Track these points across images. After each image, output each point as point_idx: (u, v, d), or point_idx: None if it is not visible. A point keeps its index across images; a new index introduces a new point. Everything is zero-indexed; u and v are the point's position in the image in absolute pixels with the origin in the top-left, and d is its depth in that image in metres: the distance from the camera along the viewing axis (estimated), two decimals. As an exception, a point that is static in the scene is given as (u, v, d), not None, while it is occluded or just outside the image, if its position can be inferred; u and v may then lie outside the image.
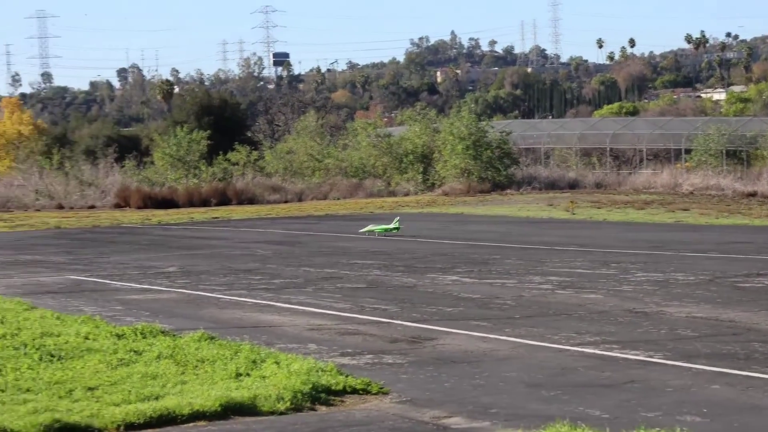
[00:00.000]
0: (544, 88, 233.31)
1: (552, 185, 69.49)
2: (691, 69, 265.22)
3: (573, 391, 12.61)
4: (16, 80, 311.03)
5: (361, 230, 38.27)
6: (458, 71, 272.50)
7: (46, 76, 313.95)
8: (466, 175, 68.60)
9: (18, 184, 70.58)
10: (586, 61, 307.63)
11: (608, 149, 78.19)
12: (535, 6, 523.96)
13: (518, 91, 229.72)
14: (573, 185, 69.66)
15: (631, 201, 55.05)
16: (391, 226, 37.84)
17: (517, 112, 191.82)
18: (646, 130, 78.60)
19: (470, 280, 24.05)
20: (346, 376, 13.11)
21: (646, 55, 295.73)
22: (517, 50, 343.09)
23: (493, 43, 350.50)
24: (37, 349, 14.87)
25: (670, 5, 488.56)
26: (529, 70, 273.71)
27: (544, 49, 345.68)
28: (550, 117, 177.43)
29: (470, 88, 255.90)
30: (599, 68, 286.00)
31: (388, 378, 13.46)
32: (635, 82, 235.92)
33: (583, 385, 13.02)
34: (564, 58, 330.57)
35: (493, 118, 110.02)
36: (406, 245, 33.63)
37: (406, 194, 67.93)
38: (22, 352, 14.72)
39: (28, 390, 12.66)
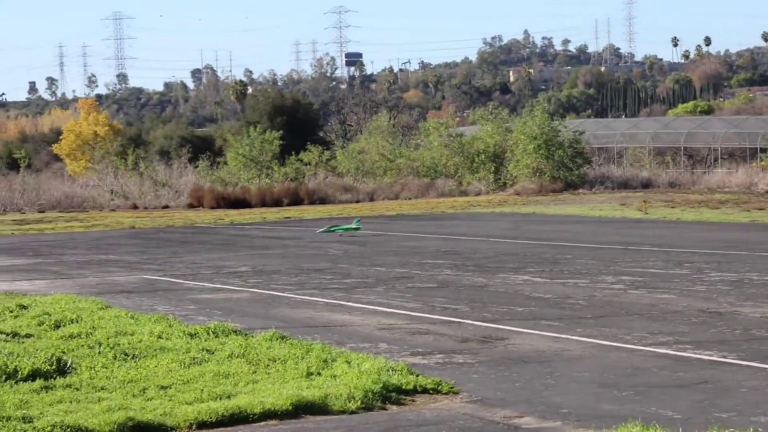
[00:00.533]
0: (617, 87, 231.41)
1: (625, 184, 68.94)
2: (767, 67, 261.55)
3: (645, 392, 12.50)
4: (92, 81, 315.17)
5: (320, 230, 38.83)
6: (531, 70, 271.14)
7: (122, 78, 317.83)
8: (538, 174, 68.30)
9: (93, 185, 71.53)
10: (661, 59, 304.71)
11: (682, 148, 77.41)
12: (609, 4, 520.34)
13: (591, 90, 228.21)
14: (646, 184, 69.06)
15: (706, 200, 54.43)
16: (353, 226, 38.22)
17: (590, 111, 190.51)
18: (721, 128, 77.70)
19: (542, 279, 23.93)
20: (417, 376, 13.11)
21: (722, 53, 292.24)
22: (590, 49, 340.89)
23: (566, 42, 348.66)
24: (112, 347, 15.03)
25: (747, 3, 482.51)
26: (603, 69, 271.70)
27: (618, 48, 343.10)
28: (624, 116, 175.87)
29: (543, 87, 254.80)
30: (674, 67, 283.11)
31: (458, 378, 13.43)
32: (710, 81, 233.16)
33: (656, 385, 12.90)
34: (638, 57, 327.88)
35: (566, 118, 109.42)
36: (478, 245, 33.54)
37: (478, 194, 67.77)
38: (96, 350, 14.90)
39: (102, 388, 12.82)
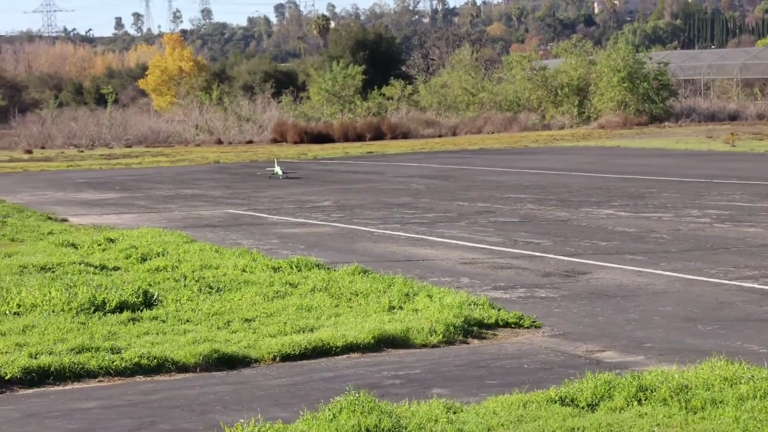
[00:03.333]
0: (705, 17, 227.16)
1: (711, 117, 67.88)
2: None
3: (730, 326, 12.40)
4: (177, 17, 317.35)
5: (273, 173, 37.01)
6: (616, 2, 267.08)
7: (206, 13, 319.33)
8: (622, 107, 67.50)
9: (179, 120, 72.16)
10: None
11: (772, 80, 75.91)
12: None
13: (678, 21, 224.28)
14: (734, 117, 67.91)
15: (795, 133, 53.48)
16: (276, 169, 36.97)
17: (676, 42, 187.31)
18: (812, 58, 76.01)
19: (625, 213, 23.75)
20: (499, 310, 13.13)
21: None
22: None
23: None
24: (197, 281, 15.25)
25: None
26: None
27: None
28: (711, 47, 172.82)
29: (628, 18, 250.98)
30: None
31: (540, 312, 13.43)
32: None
33: (741, 319, 12.79)
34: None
35: (652, 50, 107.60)
36: (561, 179, 33.34)
37: (561, 127, 67.23)
38: (182, 283, 15.12)
39: (187, 321, 13.02)
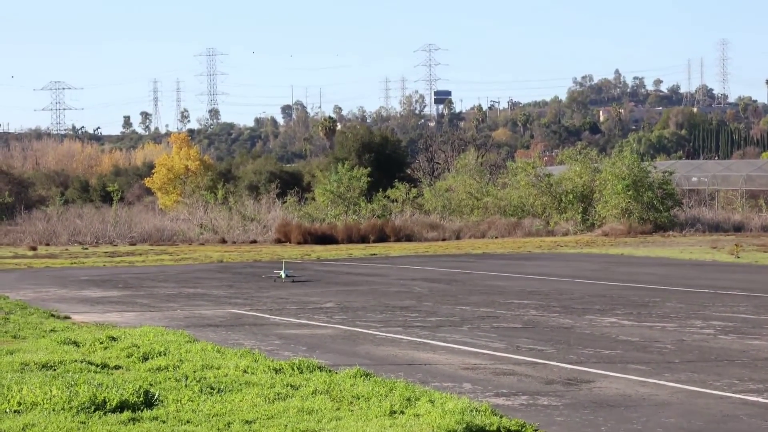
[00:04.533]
0: (710, 128, 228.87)
1: (716, 228, 68.02)
2: None
3: (734, 440, 12.28)
4: (185, 117, 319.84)
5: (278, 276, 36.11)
6: (621, 110, 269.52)
7: (214, 113, 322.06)
8: (626, 215, 67.68)
9: (184, 218, 72.41)
10: (755, 101, 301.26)
11: (776, 191, 76.22)
12: (702, 45, 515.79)
13: (683, 132, 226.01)
14: (738, 228, 68.04)
15: (799, 245, 53.48)
16: (282, 272, 36.07)
17: (681, 152, 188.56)
18: (816, 172, 76.42)
19: (629, 322, 23.68)
20: (501, 417, 13.04)
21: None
22: (683, 89, 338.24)
23: (658, 82, 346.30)
24: (198, 381, 15.18)
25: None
26: (695, 109, 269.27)
27: (711, 89, 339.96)
28: (716, 158, 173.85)
29: (633, 127, 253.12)
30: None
31: (542, 420, 13.33)
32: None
33: (745, 434, 12.67)
34: (732, 98, 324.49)
35: (657, 159, 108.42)
36: (565, 286, 33.31)
37: (565, 234, 67.35)
38: (183, 383, 15.05)
39: (188, 422, 12.94)
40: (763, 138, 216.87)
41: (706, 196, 79.04)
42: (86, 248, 59.25)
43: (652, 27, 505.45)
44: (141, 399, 13.79)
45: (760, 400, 14.64)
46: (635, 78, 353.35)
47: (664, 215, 68.30)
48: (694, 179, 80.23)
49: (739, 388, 15.45)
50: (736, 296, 29.62)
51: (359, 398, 14.03)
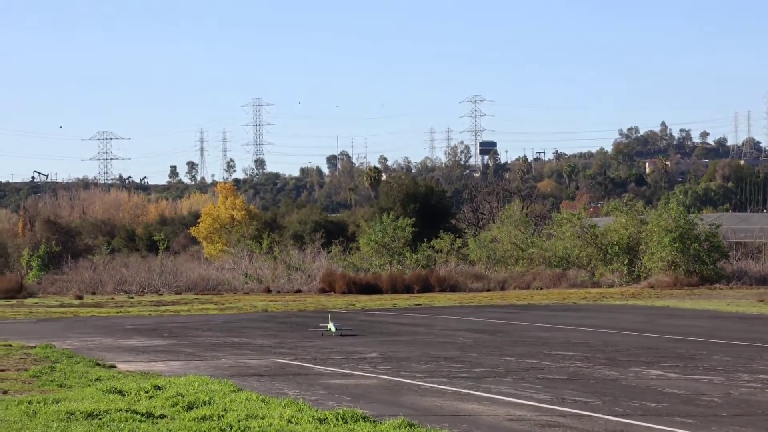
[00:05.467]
0: (757, 180, 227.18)
1: (763, 281, 67.36)
2: None
3: (782, 496, 12.14)
4: (230, 166, 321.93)
5: (326, 329, 34.48)
6: (667, 162, 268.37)
7: (259, 163, 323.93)
8: (673, 267, 67.23)
9: (229, 268, 72.74)
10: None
11: (823, 244, 75.50)
12: (749, 97, 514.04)
13: (730, 184, 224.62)
14: (786, 281, 67.36)
15: None
16: (330, 326, 34.29)
17: (728, 205, 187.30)
18: None
19: (675, 375, 23.49)
20: (545, 470, 12.95)
21: None
22: (729, 142, 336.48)
23: (704, 134, 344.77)
24: (242, 430, 15.21)
25: None
26: (742, 162, 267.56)
27: (758, 142, 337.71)
28: (764, 211, 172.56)
29: (680, 179, 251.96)
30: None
31: (588, 473, 13.23)
32: None
33: (793, 489, 12.52)
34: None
35: (703, 211, 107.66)
36: (610, 337, 33.10)
37: (611, 285, 66.99)
38: (227, 432, 15.07)
39: (231, 470, 12.94)
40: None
41: (753, 249, 78.41)
42: (132, 297, 59.62)
43: (699, 79, 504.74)
44: (186, 448, 13.82)
45: (809, 455, 14.47)
46: (681, 130, 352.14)
47: (710, 268, 67.77)
48: (741, 233, 79.67)
49: (787, 443, 15.28)
50: (784, 350, 29.30)
51: (403, 449, 13.99)
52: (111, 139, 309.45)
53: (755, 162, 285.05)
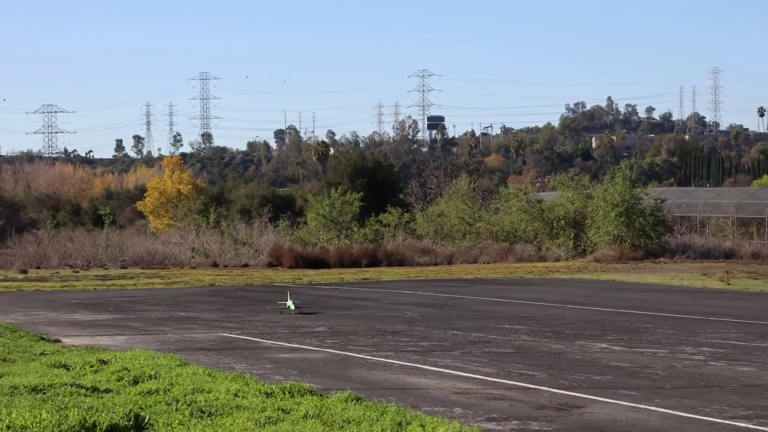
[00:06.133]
0: (701, 155, 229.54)
1: (707, 254, 68.13)
2: None
3: (724, 466, 12.28)
4: (177, 141, 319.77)
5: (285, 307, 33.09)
6: (614, 137, 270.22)
7: (206, 137, 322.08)
8: (618, 241, 67.78)
9: (175, 242, 72.36)
10: (747, 129, 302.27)
11: (767, 219, 76.39)
12: (695, 73, 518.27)
13: (675, 159, 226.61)
14: (729, 255, 68.15)
15: (790, 272, 53.58)
16: (289, 304, 33.09)
17: (672, 179, 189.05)
18: (807, 199, 76.60)
19: (620, 348, 23.70)
20: (491, 442, 13.02)
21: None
22: (675, 117, 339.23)
23: (650, 109, 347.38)
24: (189, 405, 15.15)
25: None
26: (687, 137, 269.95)
27: (703, 117, 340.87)
28: (707, 185, 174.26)
29: (625, 154, 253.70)
30: (760, 137, 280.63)
31: (533, 445, 13.32)
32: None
33: (735, 460, 12.67)
34: (723, 126, 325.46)
35: (648, 186, 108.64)
36: (556, 311, 33.33)
37: (557, 260, 67.40)
38: (174, 407, 15.01)
39: (177, 444, 12.89)
40: (754, 166, 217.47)
41: (697, 223, 79.20)
42: (77, 271, 59.18)
43: (645, 55, 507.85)
44: (131, 423, 13.75)
45: (750, 426, 14.65)
46: (627, 105, 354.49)
47: (655, 242, 68.41)
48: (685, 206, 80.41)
49: (728, 415, 15.46)
50: (726, 323, 29.66)
51: (350, 422, 14.01)
52: (56, 112, 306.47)
53: (700, 137, 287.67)
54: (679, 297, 40.10)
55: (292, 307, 32.72)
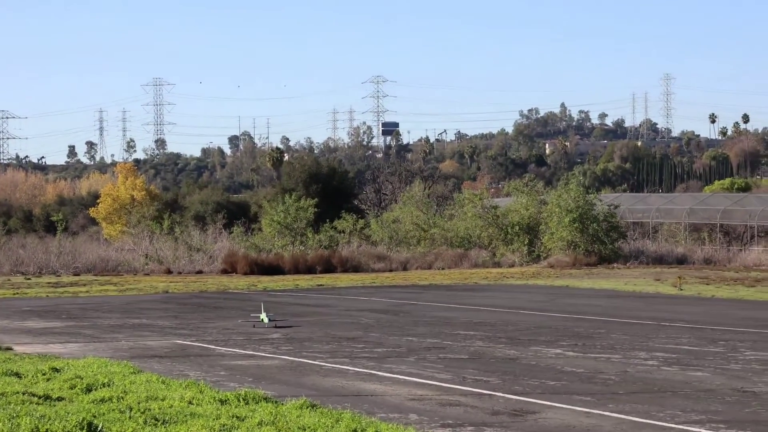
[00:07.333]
0: (654, 162, 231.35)
1: (660, 260, 68.61)
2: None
3: (677, 471, 12.36)
4: (131, 146, 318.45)
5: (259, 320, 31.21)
6: (567, 143, 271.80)
7: (160, 143, 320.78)
8: (572, 247, 68.10)
9: (129, 249, 71.87)
10: (698, 135, 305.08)
11: (718, 225, 77.06)
12: (647, 80, 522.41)
13: (627, 165, 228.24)
14: (681, 260, 68.68)
15: (741, 278, 54.07)
16: (263, 317, 31.13)
17: (625, 185, 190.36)
18: (758, 206, 77.32)
19: (574, 353, 23.81)
20: (446, 448, 13.04)
21: (760, 130, 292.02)
22: (627, 124, 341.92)
23: (603, 116, 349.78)
24: (143, 412, 15.05)
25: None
26: (640, 143, 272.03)
27: (655, 123, 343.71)
28: (660, 191, 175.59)
29: (579, 160, 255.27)
30: (711, 143, 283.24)
31: (488, 451, 13.35)
32: (748, 158, 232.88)
33: (688, 464, 12.76)
34: (675, 133, 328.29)
35: (602, 191, 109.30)
36: (510, 317, 33.43)
37: (512, 265, 67.63)
38: (127, 415, 14.92)
39: (131, 452, 12.81)
40: (706, 172, 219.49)
41: (650, 229, 79.74)
42: (29, 278, 58.66)
43: (597, 61, 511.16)
44: (84, 431, 13.65)
45: (702, 431, 14.76)
46: (581, 112, 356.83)
47: (608, 247, 68.81)
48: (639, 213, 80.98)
49: (681, 419, 15.57)
50: (679, 328, 29.89)
51: (305, 429, 13.98)
52: (7, 118, 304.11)
53: (652, 143, 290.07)
54: (633, 302, 40.34)
55: (266, 320, 30.73)
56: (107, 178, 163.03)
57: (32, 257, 66.28)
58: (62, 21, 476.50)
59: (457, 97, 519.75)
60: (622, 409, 16.47)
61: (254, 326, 30.34)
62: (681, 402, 17.17)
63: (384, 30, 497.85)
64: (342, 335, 27.92)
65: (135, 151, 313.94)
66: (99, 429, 13.85)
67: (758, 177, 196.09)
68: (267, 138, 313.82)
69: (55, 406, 15.86)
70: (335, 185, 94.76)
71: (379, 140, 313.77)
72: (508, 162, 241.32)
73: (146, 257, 68.14)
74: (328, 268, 64.56)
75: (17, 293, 46.44)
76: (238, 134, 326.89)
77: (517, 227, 71.80)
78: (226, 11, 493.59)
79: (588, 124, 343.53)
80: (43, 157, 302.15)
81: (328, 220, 77.07)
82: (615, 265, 65.89)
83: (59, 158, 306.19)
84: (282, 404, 15.83)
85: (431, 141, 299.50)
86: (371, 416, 15.30)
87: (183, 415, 14.99)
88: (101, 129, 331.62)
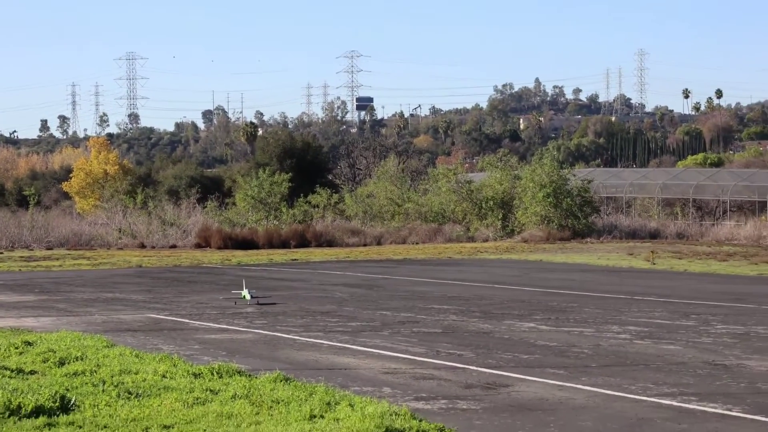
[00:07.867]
0: (627, 137, 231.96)
1: (633, 234, 68.92)
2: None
3: (648, 443, 12.43)
4: (104, 120, 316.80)
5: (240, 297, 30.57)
6: (541, 119, 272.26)
7: (133, 117, 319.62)
8: (546, 222, 68.31)
9: (102, 223, 71.63)
10: (672, 111, 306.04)
11: (691, 200, 77.45)
12: (621, 55, 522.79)
13: (601, 140, 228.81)
14: (654, 235, 69.02)
15: (713, 252, 54.39)
16: (245, 294, 30.59)
17: (599, 160, 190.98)
18: (730, 181, 77.77)
19: (547, 327, 23.90)
20: (420, 421, 13.09)
21: (733, 106, 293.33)
22: (601, 99, 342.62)
23: (577, 91, 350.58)
24: (116, 386, 15.04)
25: (760, 56, 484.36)
26: (613, 118, 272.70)
27: (628, 98, 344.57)
28: (633, 166, 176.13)
29: (553, 135, 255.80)
30: (684, 118, 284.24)
31: (461, 424, 13.41)
32: (721, 133, 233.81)
33: (659, 436, 12.84)
34: (649, 108, 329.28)
35: (575, 166, 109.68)
36: (484, 291, 33.52)
37: (485, 240, 67.78)
38: (100, 388, 14.90)
39: (105, 427, 12.82)
40: (679, 147, 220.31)
41: (623, 204, 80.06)
42: (1, 252, 58.41)
43: (571, 36, 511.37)
44: (57, 404, 13.63)
45: (674, 403, 14.86)
46: (555, 87, 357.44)
47: (582, 222, 69.07)
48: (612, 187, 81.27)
49: (653, 392, 15.67)
50: (651, 302, 30.04)
51: (279, 403, 14.00)
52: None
53: (626, 118, 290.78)
54: (606, 277, 40.52)
55: (248, 296, 30.16)
56: (80, 152, 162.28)
57: (5, 231, 66.00)
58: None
59: (431, 72, 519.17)
60: (595, 382, 16.56)
61: (235, 303, 29.77)
62: (653, 375, 17.27)
63: (359, 4, 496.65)
64: (316, 309, 27.93)
65: (108, 125, 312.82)
66: (72, 402, 13.84)
67: (731, 152, 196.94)
68: (241, 113, 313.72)
69: (27, 379, 15.83)
70: (309, 160, 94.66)
71: (353, 115, 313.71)
72: (482, 137, 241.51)
73: (119, 231, 67.95)
74: (303, 242, 64.52)
75: (-11, 267, 46.21)
76: (211, 109, 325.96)
77: (491, 202, 71.93)
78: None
79: (562, 99, 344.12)
80: (15, 131, 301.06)
81: (302, 195, 77.04)
82: (588, 239, 66.15)
83: (31, 132, 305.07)
84: (256, 378, 15.85)
85: (406, 116, 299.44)
86: (345, 389, 15.33)
87: (156, 388, 14.99)
88: (74, 103, 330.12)
